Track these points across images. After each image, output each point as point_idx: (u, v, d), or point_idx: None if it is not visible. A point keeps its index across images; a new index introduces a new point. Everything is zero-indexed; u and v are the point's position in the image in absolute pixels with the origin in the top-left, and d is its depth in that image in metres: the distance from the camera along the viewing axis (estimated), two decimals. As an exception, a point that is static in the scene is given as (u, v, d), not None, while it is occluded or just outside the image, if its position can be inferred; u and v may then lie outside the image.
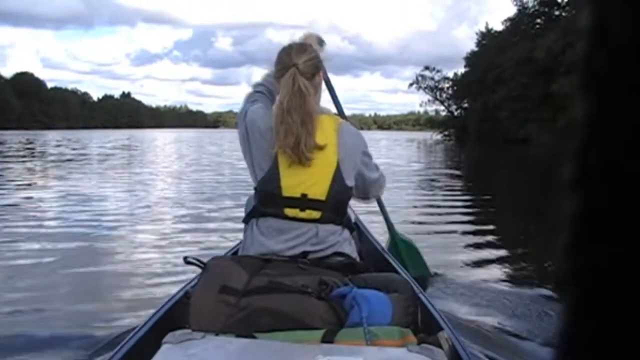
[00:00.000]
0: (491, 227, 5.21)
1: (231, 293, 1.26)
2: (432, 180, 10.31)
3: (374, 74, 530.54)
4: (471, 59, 46.62)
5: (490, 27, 46.89)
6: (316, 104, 1.54)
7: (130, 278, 3.23)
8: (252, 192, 1.62)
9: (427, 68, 52.09)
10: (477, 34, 48.18)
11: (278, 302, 1.23)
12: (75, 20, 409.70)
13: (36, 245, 4.04)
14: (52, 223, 5.02)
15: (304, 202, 1.46)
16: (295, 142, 1.42)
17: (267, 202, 1.49)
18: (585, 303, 0.25)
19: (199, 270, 1.39)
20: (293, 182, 1.46)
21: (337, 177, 1.48)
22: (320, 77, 1.60)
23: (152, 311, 1.49)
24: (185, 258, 1.39)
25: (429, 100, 52.26)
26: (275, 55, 1.56)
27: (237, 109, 1.77)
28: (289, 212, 1.46)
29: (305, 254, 1.45)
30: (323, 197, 1.46)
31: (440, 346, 1.11)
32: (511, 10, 43.30)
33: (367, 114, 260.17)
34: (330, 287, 1.26)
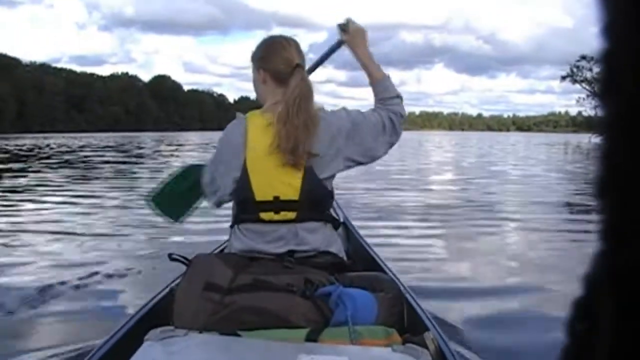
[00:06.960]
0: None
1: (215, 290, 1.24)
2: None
3: (509, 75, 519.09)
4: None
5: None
6: None
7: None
8: None
9: (583, 58, 43.25)
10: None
11: (263, 300, 1.21)
12: (214, 26, 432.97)
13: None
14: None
15: (277, 204, 1.41)
16: (294, 146, 1.38)
17: (243, 208, 1.46)
18: (618, 309, 0.25)
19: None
20: (264, 186, 1.42)
21: (309, 173, 1.42)
22: None
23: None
24: (170, 255, 1.38)
25: (587, 97, 42.90)
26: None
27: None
28: (264, 215, 1.42)
29: (291, 252, 1.43)
30: (296, 197, 1.41)
31: (425, 346, 1.09)
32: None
33: (505, 115, 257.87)
34: (315, 285, 1.24)
